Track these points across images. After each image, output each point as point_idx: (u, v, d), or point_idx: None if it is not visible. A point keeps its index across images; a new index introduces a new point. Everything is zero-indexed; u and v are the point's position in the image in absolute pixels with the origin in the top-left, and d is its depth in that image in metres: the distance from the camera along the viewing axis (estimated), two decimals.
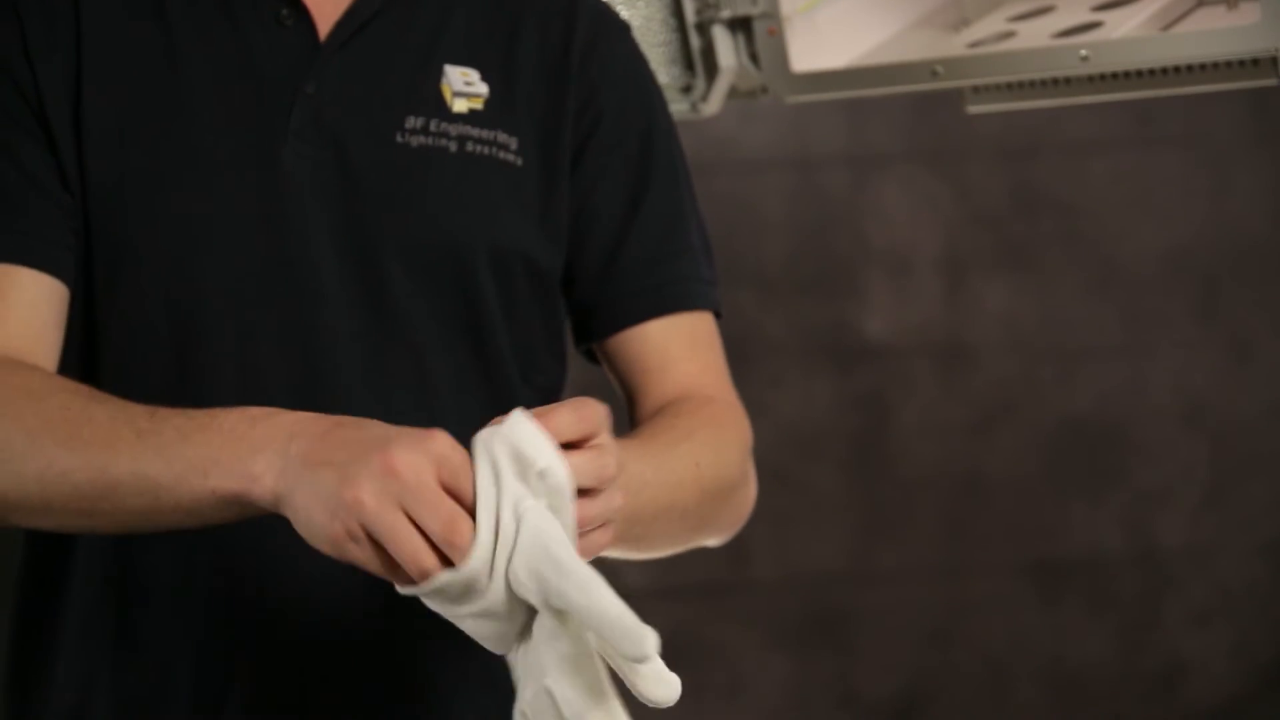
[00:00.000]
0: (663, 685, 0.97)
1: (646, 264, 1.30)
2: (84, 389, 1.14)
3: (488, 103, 1.26)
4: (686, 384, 1.28)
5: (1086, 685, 3.06)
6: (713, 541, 1.29)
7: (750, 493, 1.30)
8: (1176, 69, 1.47)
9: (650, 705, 0.97)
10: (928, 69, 1.60)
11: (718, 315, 1.34)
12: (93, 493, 1.08)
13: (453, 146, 1.24)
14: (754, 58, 1.72)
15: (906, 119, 2.97)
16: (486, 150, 1.25)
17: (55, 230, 1.21)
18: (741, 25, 1.72)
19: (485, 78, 1.27)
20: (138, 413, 1.09)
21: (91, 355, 1.23)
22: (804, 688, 3.02)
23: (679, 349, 1.30)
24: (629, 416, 1.31)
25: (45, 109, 1.22)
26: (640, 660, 0.94)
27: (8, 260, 1.20)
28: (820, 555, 3.01)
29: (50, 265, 1.21)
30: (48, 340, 1.21)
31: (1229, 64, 1.43)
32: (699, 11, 1.74)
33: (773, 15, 1.69)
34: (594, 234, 1.29)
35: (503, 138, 1.26)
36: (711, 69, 1.75)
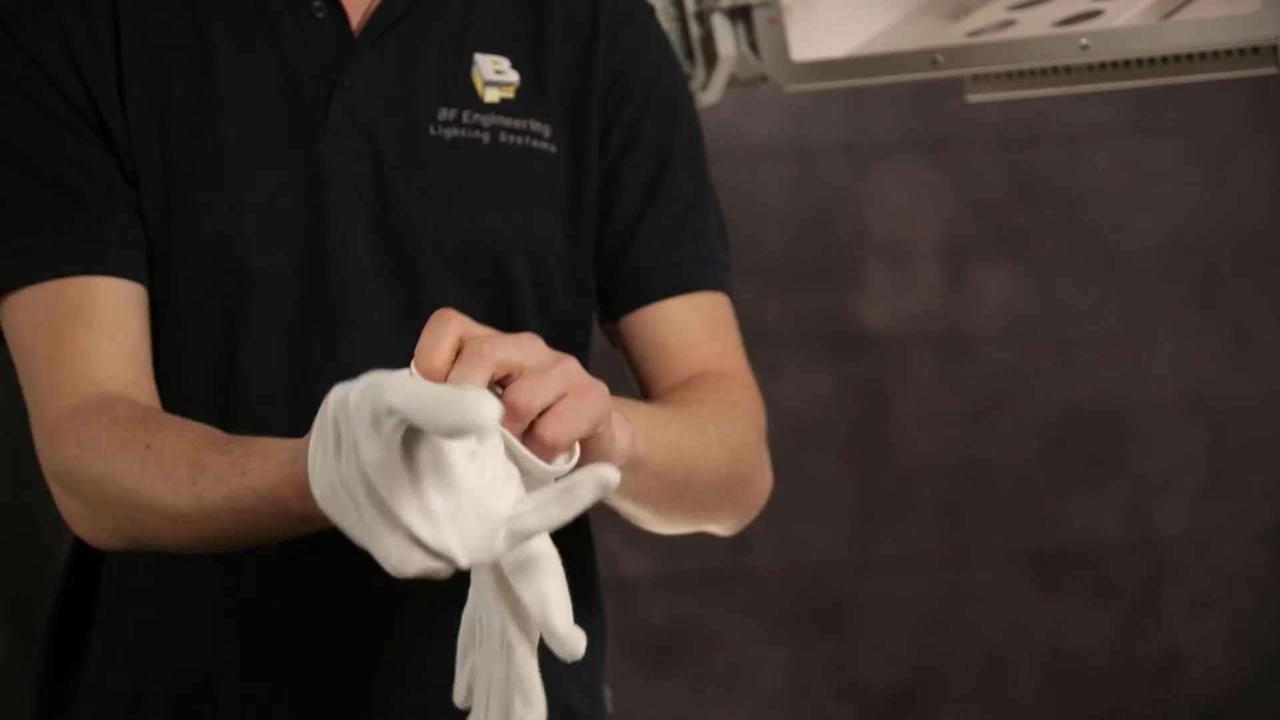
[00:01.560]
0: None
1: (665, 242, 1.29)
2: (153, 426, 1.14)
3: (519, 91, 1.26)
4: (702, 366, 1.28)
5: (1086, 674, 3.07)
6: (728, 524, 1.27)
7: (766, 479, 1.29)
8: (1176, 57, 1.47)
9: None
10: (928, 58, 1.60)
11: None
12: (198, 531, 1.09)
13: (485, 138, 1.24)
14: (754, 46, 1.72)
15: (906, 108, 2.97)
16: (520, 140, 1.25)
17: (130, 232, 1.20)
18: (741, 14, 1.72)
19: (515, 65, 1.26)
20: (220, 453, 1.08)
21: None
22: (804, 676, 3.02)
23: (698, 332, 1.29)
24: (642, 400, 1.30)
25: (99, 109, 1.21)
26: (457, 430, 0.80)
27: (88, 272, 1.19)
28: (820, 544, 3.02)
29: (129, 270, 1.20)
30: (139, 359, 1.20)
31: (1229, 52, 1.43)
32: (698, 0, 1.74)
33: (772, 4, 1.69)
34: (614, 211, 1.29)
35: (535, 126, 1.26)
36: (711, 58, 1.75)
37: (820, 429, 3.00)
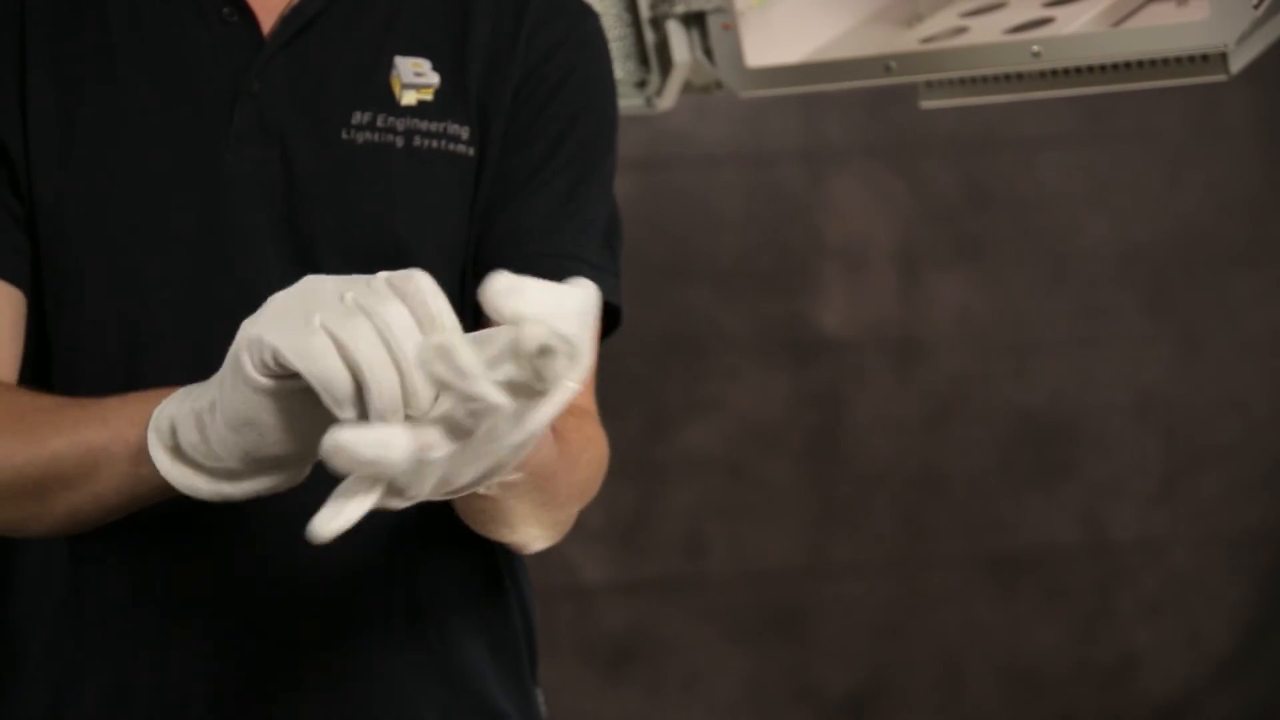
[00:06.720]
0: None
1: (524, 234, 1.23)
2: (34, 392, 1.13)
3: (438, 93, 1.23)
4: None
5: (1040, 677, 3.08)
6: (541, 537, 1.18)
7: (576, 510, 1.20)
8: (1127, 64, 1.48)
9: None
10: (881, 64, 1.61)
11: (617, 313, 1.27)
12: (34, 472, 1.06)
13: (399, 142, 1.21)
14: (708, 53, 1.73)
15: (861, 114, 2.98)
16: (435, 144, 1.22)
17: (8, 234, 1.18)
18: (696, 20, 1.72)
19: (437, 67, 1.23)
20: (88, 399, 1.07)
21: (44, 371, 1.21)
22: (761, 681, 3.03)
23: None
24: None
25: None
26: None
27: None
28: (776, 549, 3.02)
29: (5, 272, 1.18)
30: (4, 351, 1.18)
31: (1179, 59, 1.44)
32: (653, 6, 1.74)
33: (727, 10, 1.69)
34: (490, 195, 1.24)
35: (453, 129, 1.23)
36: (666, 64, 1.75)
37: (776, 434, 3.01)
